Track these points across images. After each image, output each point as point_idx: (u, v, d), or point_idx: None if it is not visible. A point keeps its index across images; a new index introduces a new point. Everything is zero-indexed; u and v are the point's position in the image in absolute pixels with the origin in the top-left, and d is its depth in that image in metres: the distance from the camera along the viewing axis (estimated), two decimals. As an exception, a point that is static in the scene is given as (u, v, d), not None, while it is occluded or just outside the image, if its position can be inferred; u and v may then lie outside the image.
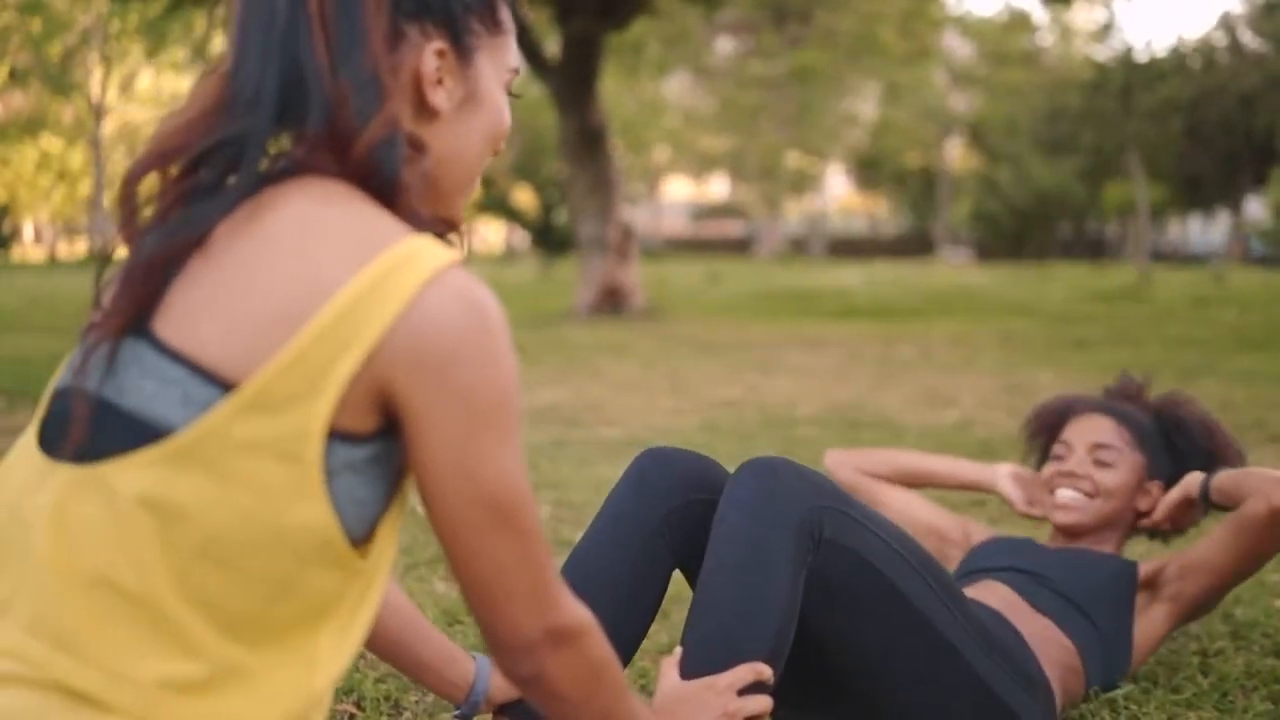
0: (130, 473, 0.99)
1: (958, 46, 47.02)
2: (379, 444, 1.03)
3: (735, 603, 1.54)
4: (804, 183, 49.74)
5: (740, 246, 54.06)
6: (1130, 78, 34.41)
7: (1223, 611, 2.73)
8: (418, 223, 1.08)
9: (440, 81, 1.14)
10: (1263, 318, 13.15)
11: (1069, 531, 2.31)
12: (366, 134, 1.05)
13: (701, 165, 50.31)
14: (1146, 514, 2.31)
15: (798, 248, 52.42)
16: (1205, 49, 44.16)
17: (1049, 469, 2.35)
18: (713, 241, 55.81)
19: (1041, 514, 2.41)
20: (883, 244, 53.45)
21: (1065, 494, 2.29)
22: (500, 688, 1.61)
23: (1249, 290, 18.38)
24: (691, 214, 61.83)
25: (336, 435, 1.00)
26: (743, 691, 1.50)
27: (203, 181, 1.06)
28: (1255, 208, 44.71)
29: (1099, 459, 2.28)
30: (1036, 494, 2.43)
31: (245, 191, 1.05)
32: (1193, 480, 2.22)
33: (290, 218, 1.04)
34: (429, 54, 1.12)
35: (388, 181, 1.07)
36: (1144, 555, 2.62)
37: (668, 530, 1.74)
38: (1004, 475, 2.48)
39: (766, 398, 6.71)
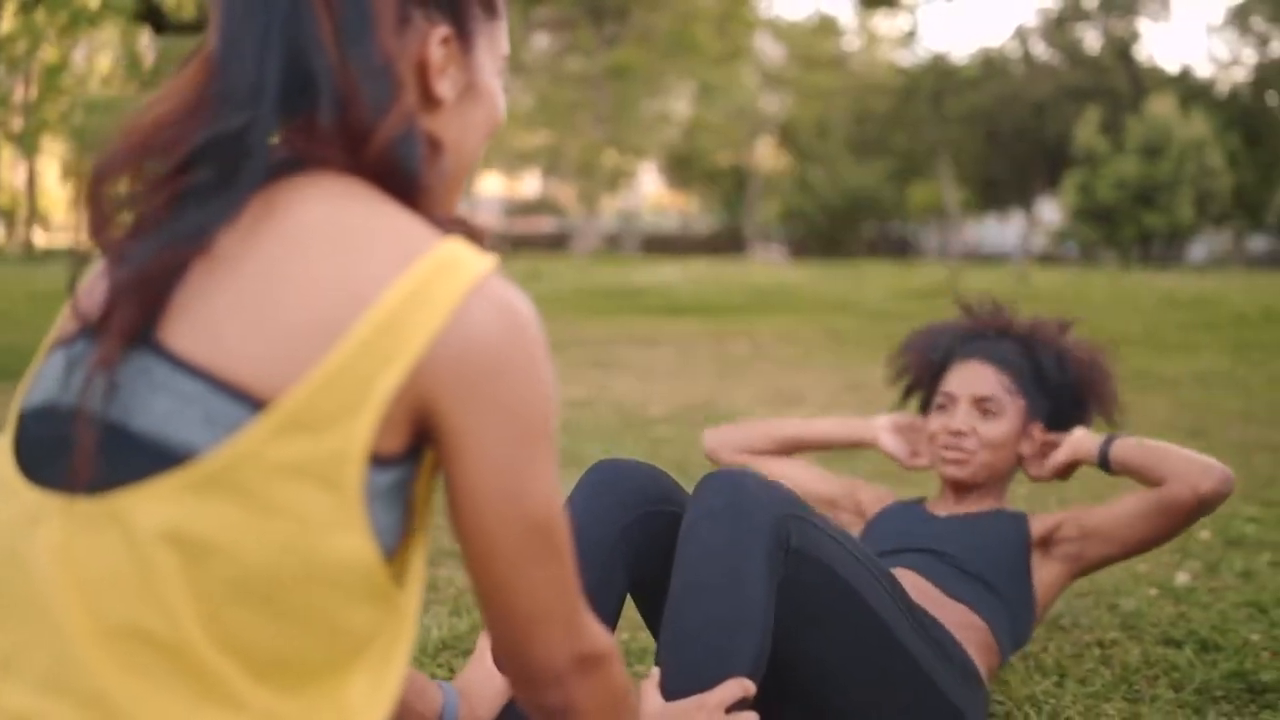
0: (149, 504, 0.87)
1: (769, 48, 48.04)
2: (405, 466, 0.95)
3: (717, 620, 1.51)
4: (619, 180, 50.03)
5: (554, 243, 53.92)
6: (941, 84, 35.75)
7: (1107, 603, 2.85)
8: (438, 224, 1.00)
9: (444, 70, 1.05)
10: (1067, 315, 13.76)
11: (958, 486, 2.31)
12: (382, 129, 0.96)
13: (516, 162, 50.08)
14: (1029, 457, 2.32)
15: (612, 244, 52.70)
16: (1000, 59, 46.21)
17: (935, 421, 2.33)
18: (526, 238, 55.57)
19: (926, 465, 2.41)
20: (695, 241, 54.07)
21: (953, 451, 2.28)
22: (468, 718, 1.55)
23: (1052, 289, 19.24)
24: (505, 210, 61.49)
25: (373, 458, 0.91)
26: (730, 708, 1.48)
27: (199, 181, 0.94)
28: (1047, 209, 47.01)
29: (984, 409, 2.27)
30: (918, 443, 2.43)
31: (251, 191, 0.95)
32: (1085, 444, 2.23)
33: (315, 218, 0.95)
34: (434, 41, 1.04)
35: (407, 180, 0.99)
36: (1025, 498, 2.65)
37: (625, 545, 1.71)
38: (884, 430, 2.45)
39: (617, 397, 6.71)
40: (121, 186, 0.97)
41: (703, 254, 46.86)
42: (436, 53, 1.04)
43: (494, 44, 1.12)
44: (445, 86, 1.06)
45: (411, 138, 0.99)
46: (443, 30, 1.04)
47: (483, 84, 1.10)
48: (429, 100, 1.05)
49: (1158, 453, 2.12)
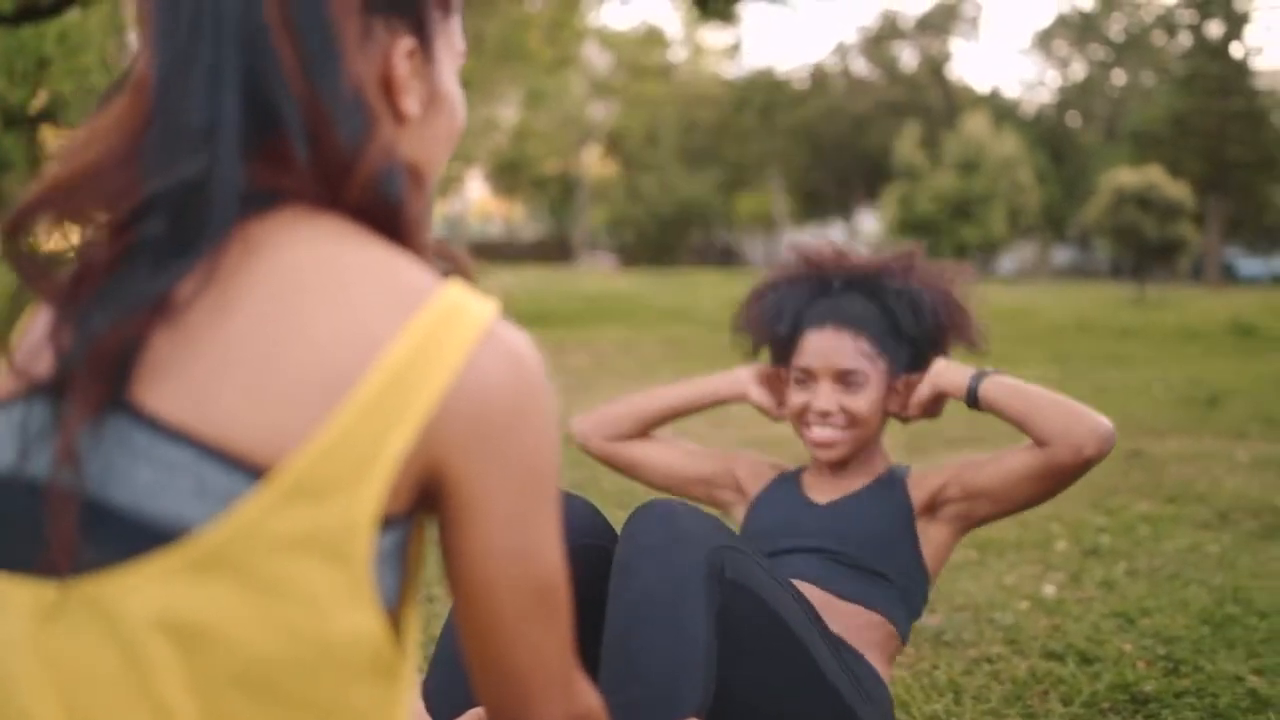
0: (138, 589, 0.77)
1: (596, 57, 48.24)
2: (405, 526, 0.87)
3: (661, 661, 1.48)
4: (447, 186, 49.52)
5: (380, 249, 53.01)
6: (771, 97, 36.50)
7: (985, 617, 2.92)
8: (427, 259, 0.92)
9: (408, 85, 0.96)
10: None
11: (832, 464, 2.18)
12: (362, 165, 0.87)
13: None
14: (898, 411, 2.18)
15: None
16: (820, 74, 47.43)
17: (796, 397, 2.16)
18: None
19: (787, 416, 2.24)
20: (521, 248, 53.95)
21: (821, 433, 2.12)
22: None
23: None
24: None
25: (379, 525, 0.83)
26: None
27: (152, 235, 0.82)
28: (866, 220, 48.43)
29: (848, 383, 2.11)
30: (782, 393, 2.27)
31: (217, 242, 0.83)
32: (949, 377, 2.08)
33: (301, 263, 0.85)
34: (399, 55, 0.94)
35: (391, 215, 0.90)
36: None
37: None
38: (749, 382, 2.27)
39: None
40: (49, 234, 0.86)
41: (530, 261, 46.80)
42: (402, 67, 0.94)
43: (451, 44, 1.03)
44: (411, 102, 0.96)
45: (393, 170, 0.90)
46: (407, 43, 0.95)
47: (444, 91, 1.01)
48: (395, 119, 0.95)
49: (1035, 401, 1.96)
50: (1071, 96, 51.43)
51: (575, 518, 1.72)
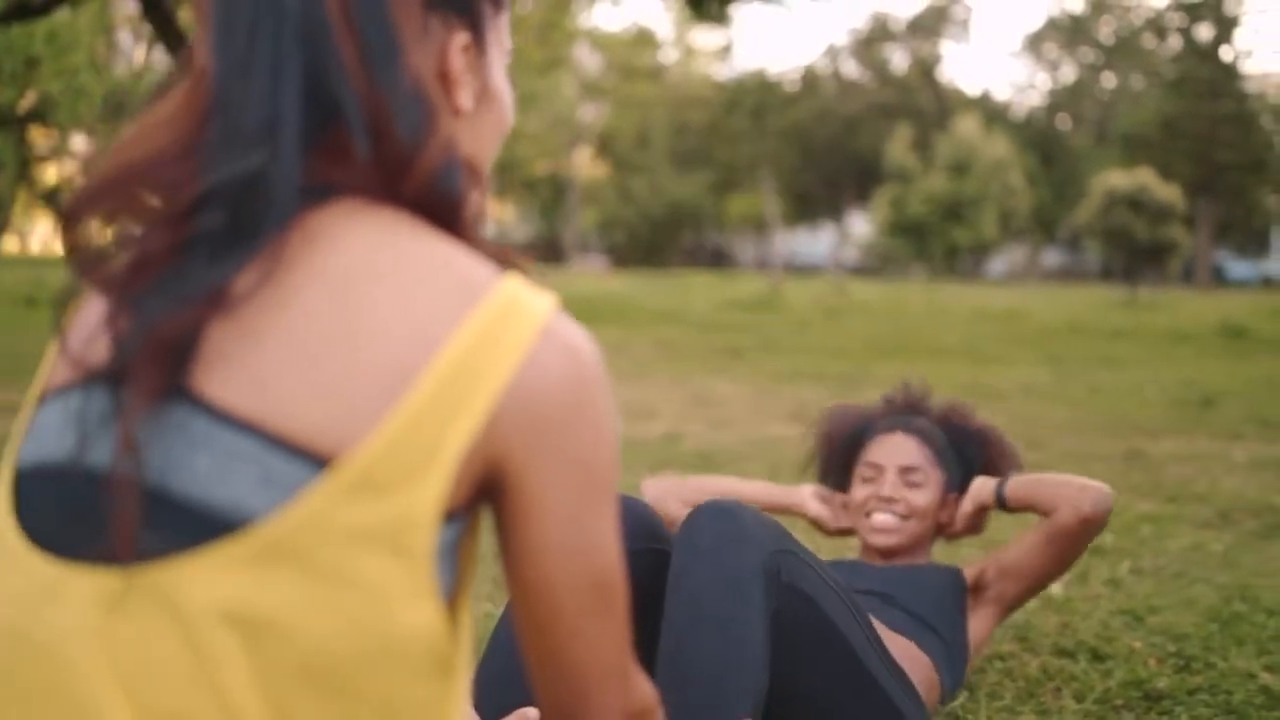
0: (202, 579, 0.76)
1: (587, 58, 48.28)
2: (463, 521, 0.87)
3: (717, 661, 1.48)
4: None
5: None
6: (763, 99, 36.56)
7: (994, 615, 2.93)
8: (486, 254, 0.92)
9: (462, 80, 0.96)
10: (890, 328, 14.25)
11: (887, 552, 2.39)
12: (422, 159, 0.88)
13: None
14: (947, 525, 2.45)
15: (430, 252, 52.03)
16: (811, 76, 47.52)
17: (861, 491, 2.42)
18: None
19: (849, 528, 2.51)
20: (512, 250, 53.77)
21: (882, 518, 2.36)
22: None
23: (869, 301, 19.88)
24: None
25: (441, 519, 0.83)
26: None
27: (210, 227, 0.82)
28: (857, 222, 48.50)
29: (909, 481, 2.37)
30: (839, 513, 2.53)
31: (275, 235, 0.84)
32: (984, 489, 2.37)
33: (362, 255, 0.85)
34: (455, 50, 0.95)
35: (451, 210, 0.91)
36: (945, 556, 2.75)
37: None
38: (809, 497, 2.55)
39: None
40: (107, 221, 0.87)
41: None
42: (457, 62, 0.95)
43: (501, 40, 1.03)
44: (465, 97, 0.97)
45: (453, 165, 0.90)
46: (462, 37, 0.95)
47: (495, 86, 1.02)
48: (450, 114, 0.95)
49: (1044, 484, 2.29)
50: (1061, 99, 51.63)
51: (632, 520, 1.71)
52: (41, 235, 50.03)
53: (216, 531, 0.77)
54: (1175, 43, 44.96)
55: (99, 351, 0.82)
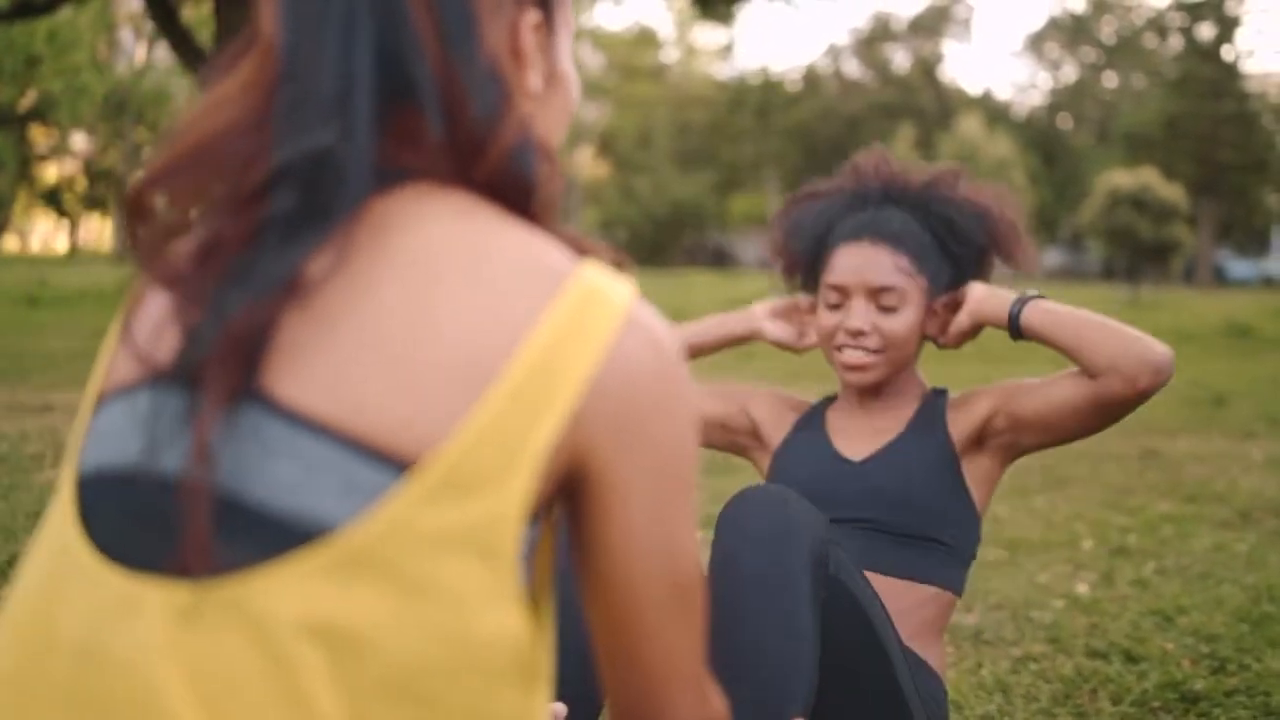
0: (283, 591, 0.72)
1: (589, 57, 48.26)
2: (541, 522, 0.83)
3: (770, 657, 1.40)
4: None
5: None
6: (767, 98, 36.56)
7: (1022, 615, 2.90)
8: (561, 239, 0.87)
9: (533, 61, 0.92)
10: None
11: (863, 390, 1.99)
12: (497, 140, 0.83)
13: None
14: (935, 335, 1.98)
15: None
16: (813, 75, 47.54)
17: (827, 319, 1.95)
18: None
19: (815, 344, 2.07)
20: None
21: (853, 355, 1.92)
22: None
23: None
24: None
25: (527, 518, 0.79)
26: None
27: (282, 208, 0.77)
28: (858, 222, 48.50)
29: (882, 304, 1.91)
30: (803, 323, 2.10)
31: (347, 216, 0.79)
32: (989, 306, 1.89)
33: (436, 242, 0.81)
34: (526, 28, 0.91)
35: (525, 194, 0.86)
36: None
37: None
38: (764, 318, 2.11)
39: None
40: (172, 204, 0.81)
41: (523, 262, 46.72)
42: (529, 40, 0.91)
43: (569, 21, 1.00)
44: (535, 78, 0.93)
45: (527, 147, 0.86)
46: (533, 15, 0.91)
47: (562, 69, 0.98)
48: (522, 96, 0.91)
49: (1084, 329, 1.80)
50: (1063, 99, 51.62)
51: None
52: (41, 234, 49.96)
53: (296, 541, 0.72)
54: (1177, 42, 44.90)
55: (166, 348, 0.77)
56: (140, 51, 33.26)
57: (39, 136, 33.94)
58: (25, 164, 33.69)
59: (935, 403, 1.96)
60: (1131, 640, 2.67)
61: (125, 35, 33.14)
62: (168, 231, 0.81)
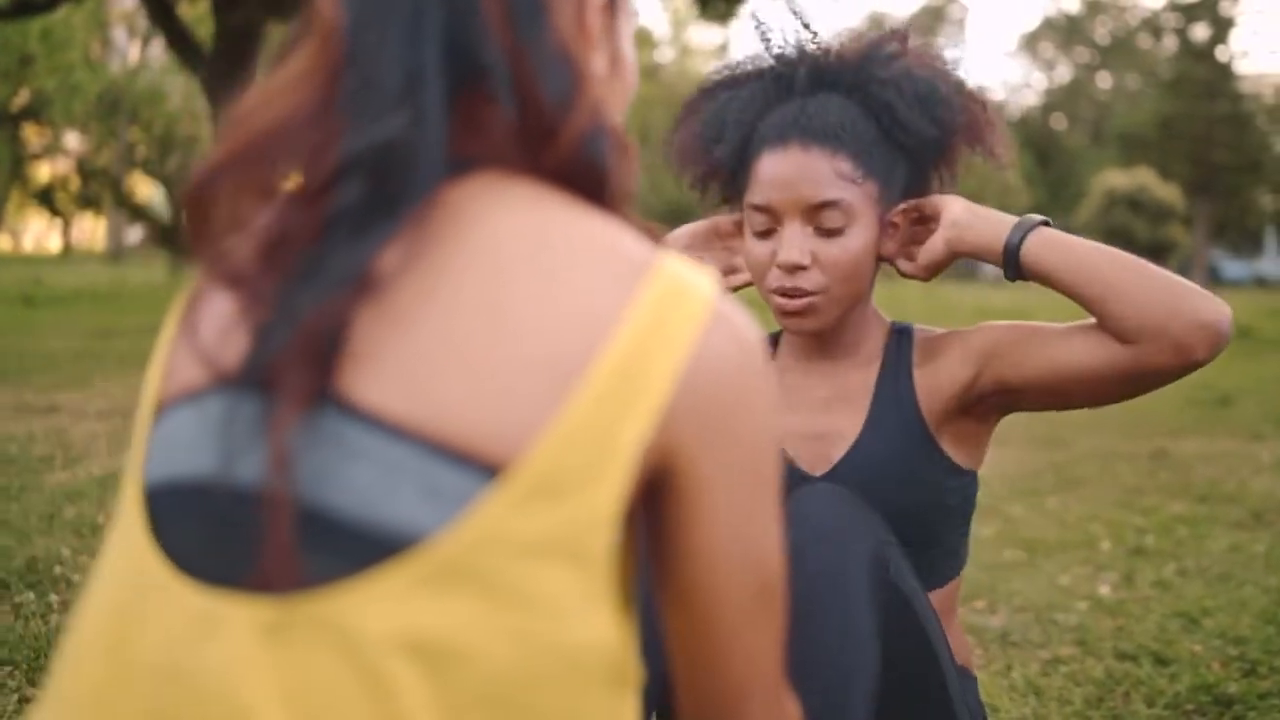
0: (375, 606, 0.68)
1: (583, 57, 48.21)
2: (626, 525, 0.79)
3: (832, 663, 1.32)
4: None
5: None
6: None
7: (1048, 617, 2.88)
8: (635, 228, 0.85)
9: (598, 44, 0.89)
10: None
11: (809, 335, 1.59)
12: (569, 126, 0.80)
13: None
14: (892, 256, 1.56)
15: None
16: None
17: (755, 248, 1.55)
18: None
19: (745, 282, 1.65)
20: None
21: (791, 302, 1.52)
22: None
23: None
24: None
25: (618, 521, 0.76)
26: None
27: (351, 200, 0.73)
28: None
29: (822, 227, 1.50)
30: (728, 249, 1.69)
31: (418, 207, 0.75)
32: (978, 233, 1.47)
33: (511, 234, 0.77)
34: (593, 11, 0.87)
35: (598, 182, 0.83)
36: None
37: None
38: (677, 253, 1.65)
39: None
40: (231, 199, 0.77)
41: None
42: (595, 23, 0.88)
43: (629, 4, 0.96)
44: (600, 62, 0.90)
45: (600, 133, 0.82)
46: None
47: (624, 52, 0.94)
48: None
49: (1115, 268, 1.38)
50: (1057, 99, 51.69)
51: None
52: (35, 233, 49.80)
53: (384, 553, 0.69)
54: (1171, 43, 44.97)
55: (233, 350, 0.73)
56: (134, 50, 33.18)
57: (32, 135, 33.82)
58: (18, 163, 33.57)
59: (900, 353, 1.58)
60: (1159, 643, 2.65)
61: (119, 34, 33.06)
62: (228, 227, 0.77)
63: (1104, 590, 3.16)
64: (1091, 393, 1.43)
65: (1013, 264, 1.44)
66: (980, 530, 3.82)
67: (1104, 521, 4.05)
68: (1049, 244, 1.42)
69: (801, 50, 1.60)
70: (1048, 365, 1.43)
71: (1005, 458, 5.10)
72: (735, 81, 1.62)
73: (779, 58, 1.60)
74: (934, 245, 1.51)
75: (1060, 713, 2.23)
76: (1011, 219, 1.47)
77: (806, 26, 1.62)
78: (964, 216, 1.49)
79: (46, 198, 39.33)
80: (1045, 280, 1.43)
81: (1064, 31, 51.61)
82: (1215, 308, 1.34)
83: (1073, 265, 1.40)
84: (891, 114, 1.51)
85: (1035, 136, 47.68)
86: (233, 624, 0.69)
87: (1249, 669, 2.48)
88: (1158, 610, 2.93)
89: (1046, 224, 1.46)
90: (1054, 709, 2.25)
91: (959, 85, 1.55)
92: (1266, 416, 7.15)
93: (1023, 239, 1.43)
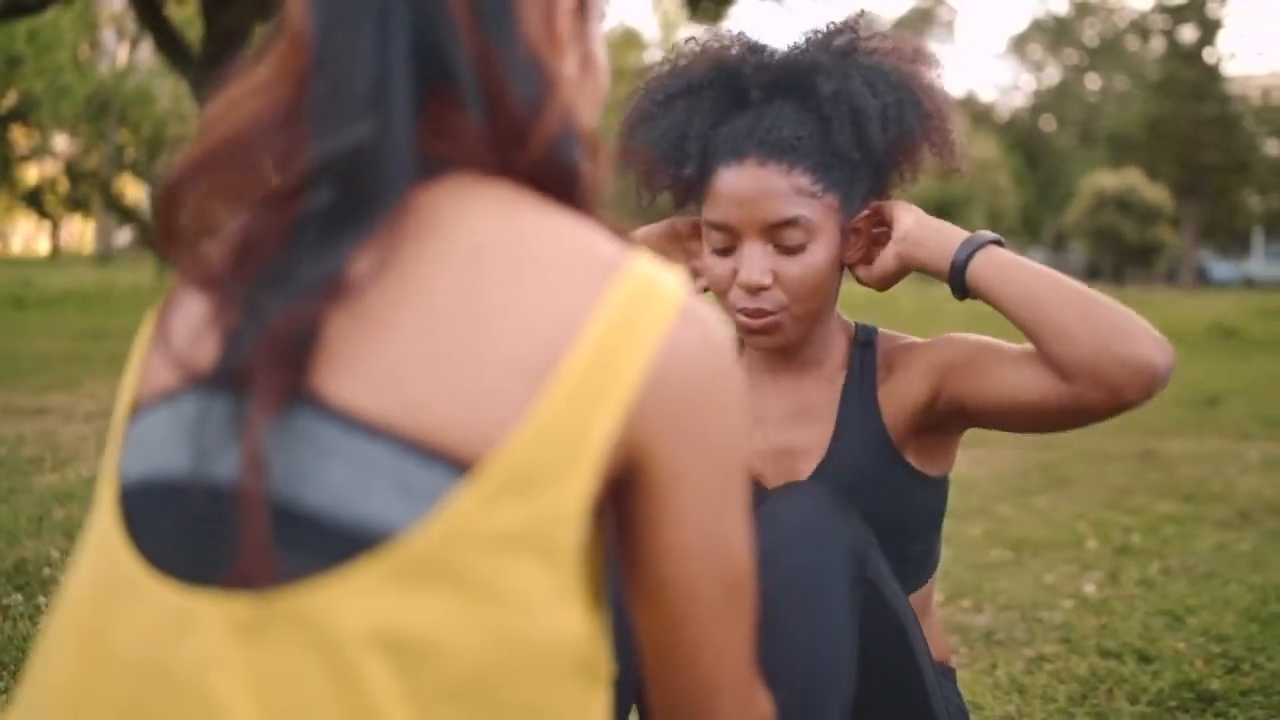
0: (347, 600, 0.69)
1: (573, 59, 48.19)
2: (594, 519, 0.81)
3: (807, 660, 1.34)
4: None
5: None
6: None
7: (1033, 615, 2.90)
8: (606, 228, 0.85)
9: (567, 46, 0.89)
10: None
11: (773, 351, 1.59)
12: (539, 129, 0.80)
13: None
14: (853, 265, 1.56)
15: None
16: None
17: (716, 265, 1.53)
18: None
19: (705, 287, 1.60)
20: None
21: (751, 321, 1.51)
22: None
23: (859, 301, 19.77)
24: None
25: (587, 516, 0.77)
26: None
27: (321, 205, 0.74)
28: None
29: (782, 245, 1.48)
30: (686, 251, 1.67)
31: (389, 212, 0.76)
32: (929, 251, 1.46)
33: (484, 235, 0.78)
34: (563, 12, 0.88)
35: (569, 184, 0.84)
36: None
37: None
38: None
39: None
40: (202, 202, 0.79)
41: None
42: (565, 25, 0.88)
43: (600, 5, 0.96)
44: (570, 64, 0.90)
45: (570, 134, 0.83)
46: (569, 0, 0.89)
47: (594, 54, 0.94)
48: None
49: (1057, 301, 1.36)
50: (1046, 100, 51.83)
51: None
52: (23, 235, 49.67)
53: (357, 549, 0.70)
54: (1159, 45, 45.09)
55: (205, 352, 0.75)
56: (122, 52, 33.11)
57: (20, 137, 33.76)
58: (6, 165, 33.52)
59: (864, 366, 1.58)
60: (1143, 640, 2.67)
61: (107, 36, 32.98)
62: (200, 230, 0.78)
63: (1089, 589, 3.18)
64: (1033, 423, 1.43)
65: (959, 284, 1.42)
66: (968, 529, 3.85)
67: (1091, 521, 4.08)
68: (994, 266, 1.40)
69: (751, 50, 1.58)
70: (993, 391, 1.42)
71: (995, 457, 5.12)
72: (687, 88, 1.58)
73: (728, 70, 1.57)
74: (886, 258, 1.51)
75: (1044, 710, 2.25)
76: (962, 235, 1.44)
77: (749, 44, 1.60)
78: (915, 231, 1.48)
79: (35, 200, 39.26)
80: (989, 302, 1.41)
81: (1052, 33, 51.76)
82: (1152, 350, 1.31)
83: (1014, 292, 1.38)
84: (849, 123, 1.48)
85: (1024, 138, 47.82)
86: (207, 621, 0.70)
87: (1232, 666, 2.50)
88: (1142, 608, 2.95)
89: (999, 243, 1.43)
90: (1038, 706, 2.26)
91: (912, 83, 1.52)
92: (1254, 416, 7.19)
93: (969, 259, 1.41)
